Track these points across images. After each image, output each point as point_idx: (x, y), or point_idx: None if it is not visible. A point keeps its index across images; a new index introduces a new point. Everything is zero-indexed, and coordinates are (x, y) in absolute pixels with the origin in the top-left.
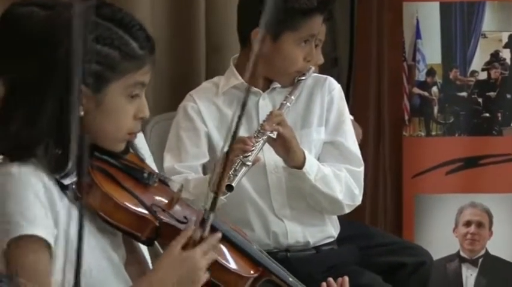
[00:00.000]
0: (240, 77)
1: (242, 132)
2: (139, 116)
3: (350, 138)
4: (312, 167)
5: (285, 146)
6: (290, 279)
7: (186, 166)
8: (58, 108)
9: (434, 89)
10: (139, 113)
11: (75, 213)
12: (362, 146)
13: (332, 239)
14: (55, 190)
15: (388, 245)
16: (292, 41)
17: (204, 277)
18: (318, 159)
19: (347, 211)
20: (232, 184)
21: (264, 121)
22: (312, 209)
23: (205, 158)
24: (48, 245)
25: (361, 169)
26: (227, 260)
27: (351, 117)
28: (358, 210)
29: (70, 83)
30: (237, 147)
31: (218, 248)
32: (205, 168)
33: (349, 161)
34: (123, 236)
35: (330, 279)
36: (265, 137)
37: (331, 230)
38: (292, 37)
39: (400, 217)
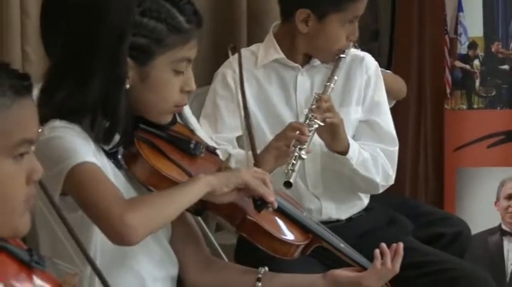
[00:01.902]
0: (280, 52)
1: (281, 107)
2: (186, 90)
3: (386, 118)
4: (355, 152)
5: (332, 133)
6: (342, 245)
7: (222, 137)
8: (105, 81)
9: (476, 62)
10: (185, 87)
11: (122, 179)
12: (403, 119)
13: (362, 209)
14: (101, 152)
15: (427, 215)
16: (337, 22)
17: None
18: (353, 137)
19: (381, 191)
20: (291, 181)
21: (312, 106)
22: (345, 188)
23: (240, 132)
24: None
25: (395, 149)
26: (276, 228)
27: (390, 72)
28: (398, 183)
29: (116, 56)
30: (292, 135)
31: (265, 216)
32: (240, 140)
33: (384, 140)
34: None
35: (383, 244)
36: (317, 126)
37: (362, 203)
38: (338, 18)
39: (442, 190)
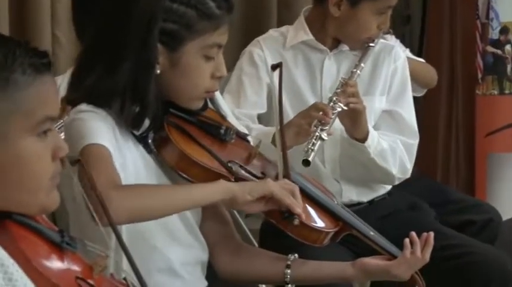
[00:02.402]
0: (309, 33)
1: (306, 90)
2: (217, 75)
3: (409, 110)
4: (373, 141)
5: (354, 119)
6: (371, 233)
7: (244, 113)
8: (135, 66)
9: (508, 47)
10: (216, 72)
11: (152, 164)
12: (435, 105)
13: (385, 193)
14: (129, 138)
15: (458, 202)
16: (369, 10)
17: (273, 187)
18: (374, 126)
19: (396, 183)
20: (309, 159)
21: (337, 90)
22: (362, 174)
23: (263, 109)
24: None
25: (415, 142)
26: (307, 216)
27: (423, 60)
28: (430, 168)
29: (146, 41)
30: (315, 115)
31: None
32: (260, 118)
33: (405, 133)
34: None
35: (413, 233)
36: (340, 109)
37: (385, 189)
38: (371, 6)
39: (473, 176)
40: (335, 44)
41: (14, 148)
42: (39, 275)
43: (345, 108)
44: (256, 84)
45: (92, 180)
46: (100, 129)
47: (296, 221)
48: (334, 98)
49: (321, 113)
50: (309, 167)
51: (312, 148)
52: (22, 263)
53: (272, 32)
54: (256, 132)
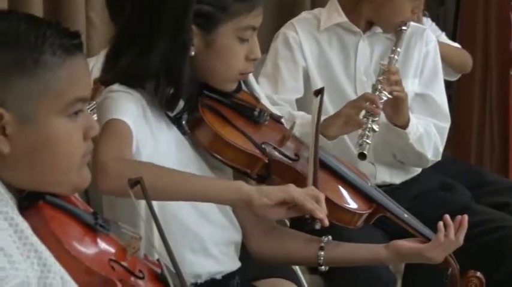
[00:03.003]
0: (343, 15)
1: (340, 72)
2: (251, 57)
3: (441, 94)
4: (413, 127)
5: (396, 107)
6: (405, 215)
7: (284, 99)
8: (169, 47)
9: None
10: (250, 54)
11: (186, 145)
12: (469, 87)
13: (417, 174)
14: (162, 120)
15: (492, 184)
16: None
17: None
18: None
19: (429, 165)
20: (365, 152)
21: (380, 78)
22: (396, 157)
23: (300, 94)
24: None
25: (447, 125)
26: (340, 196)
27: (458, 45)
28: (464, 151)
29: (181, 23)
30: (365, 106)
31: (330, 186)
32: (297, 103)
33: (437, 116)
34: (234, 173)
35: (446, 216)
36: (385, 98)
37: (416, 170)
38: None
39: (507, 158)
40: (368, 26)
41: (45, 130)
42: (71, 258)
43: (390, 97)
44: (293, 69)
45: None
46: (127, 108)
47: (318, 226)
48: (379, 87)
49: (369, 103)
50: (344, 151)
51: (366, 140)
52: (53, 245)
53: (305, 14)
54: (300, 120)
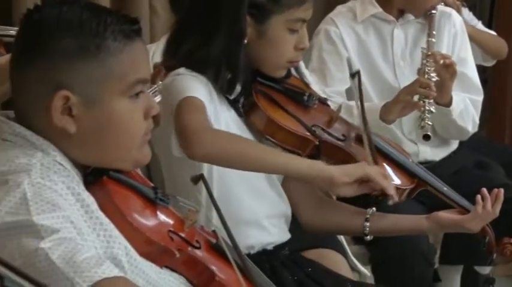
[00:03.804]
0: (378, 6)
1: (378, 58)
2: (300, 47)
3: (472, 69)
4: (455, 104)
5: (442, 88)
6: (445, 189)
7: (334, 91)
8: (227, 36)
9: None
10: (299, 44)
11: (242, 126)
12: (504, 68)
13: (453, 151)
14: (223, 102)
15: None
16: None
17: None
18: None
19: (467, 137)
20: (429, 133)
21: (425, 61)
22: (437, 133)
23: (348, 84)
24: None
25: (480, 98)
26: (386, 174)
27: (494, 33)
28: (499, 130)
29: (237, 14)
30: (420, 90)
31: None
32: (346, 93)
33: (471, 91)
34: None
35: (484, 190)
36: (434, 79)
37: (453, 147)
38: None
39: None
40: (400, 14)
41: (109, 110)
42: (133, 229)
43: (438, 79)
44: (338, 61)
45: None
46: (197, 86)
47: (390, 202)
48: (426, 69)
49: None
50: (388, 131)
51: (427, 122)
52: (117, 218)
53: (340, 8)
54: (357, 110)
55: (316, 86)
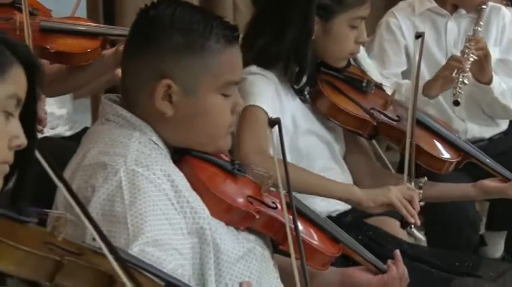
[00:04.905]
0: (433, 1)
1: (433, 47)
2: (359, 41)
3: None
4: (496, 83)
5: (481, 66)
6: (487, 160)
7: (390, 73)
8: (297, 33)
9: None
10: (359, 38)
11: (306, 111)
12: None
13: (502, 131)
14: (288, 92)
15: None
16: None
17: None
18: None
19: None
20: (459, 100)
21: (466, 44)
22: (484, 113)
23: (405, 66)
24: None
25: None
26: (435, 148)
27: None
28: None
29: (307, 13)
30: (454, 64)
31: (425, 139)
32: (404, 74)
33: None
34: (344, 132)
35: None
36: (472, 59)
37: (501, 127)
38: None
39: None
40: (454, 8)
41: (203, 102)
42: (216, 199)
43: (476, 58)
44: (396, 47)
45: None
46: (265, 92)
47: (409, 229)
48: (466, 50)
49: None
50: (439, 110)
51: (459, 91)
52: (201, 190)
53: (402, 4)
54: (405, 87)
55: (373, 71)
